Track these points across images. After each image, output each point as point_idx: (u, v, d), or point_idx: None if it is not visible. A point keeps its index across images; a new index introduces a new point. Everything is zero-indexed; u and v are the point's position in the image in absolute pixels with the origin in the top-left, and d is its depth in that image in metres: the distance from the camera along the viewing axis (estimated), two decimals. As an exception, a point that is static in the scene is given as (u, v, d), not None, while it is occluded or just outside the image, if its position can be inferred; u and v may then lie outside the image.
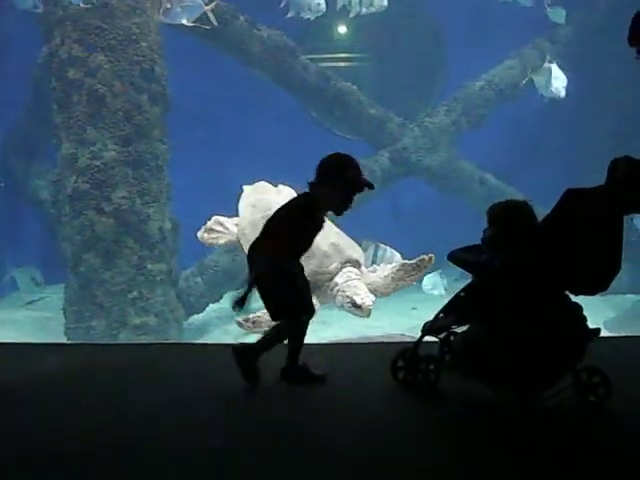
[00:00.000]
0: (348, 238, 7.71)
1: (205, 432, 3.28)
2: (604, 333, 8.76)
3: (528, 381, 3.36)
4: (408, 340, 4.13)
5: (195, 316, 10.40)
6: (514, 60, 12.72)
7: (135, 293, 9.18)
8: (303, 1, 10.24)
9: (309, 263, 7.24)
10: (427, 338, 3.81)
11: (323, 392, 3.83)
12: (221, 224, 8.22)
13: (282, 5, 10.16)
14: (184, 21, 9.42)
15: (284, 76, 11.65)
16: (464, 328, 3.75)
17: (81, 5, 9.02)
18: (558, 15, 11.91)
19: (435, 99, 13.66)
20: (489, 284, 3.54)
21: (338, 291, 7.18)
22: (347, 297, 7.04)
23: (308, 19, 10.52)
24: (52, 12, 9.44)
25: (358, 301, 6.93)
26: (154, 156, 9.41)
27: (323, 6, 10.46)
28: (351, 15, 10.84)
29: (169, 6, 9.32)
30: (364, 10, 10.61)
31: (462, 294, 3.64)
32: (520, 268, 3.42)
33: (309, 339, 3.97)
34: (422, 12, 11.80)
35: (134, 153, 9.25)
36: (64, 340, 9.04)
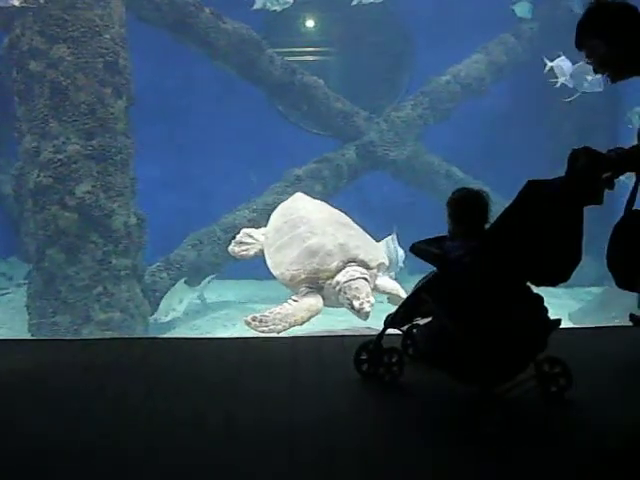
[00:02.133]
0: (368, 240, 7.94)
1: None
2: (568, 324, 8.88)
3: (490, 372, 3.35)
4: (373, 333, 4.11)
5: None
6: (480, 55, 12.79)
7: (100, 288, 9.07)
8: None
9: (311, 261, 7.39)
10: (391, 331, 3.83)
11: (285, 386, 3.82)
12: (250, 236, 8.57)
13: None
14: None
15: (250, 70, 11.56)
16: (426, 320, 3.75)
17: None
18: (524, 9, 11.97)
19: (402, 93, 13.67)
20: (451, 276, 3.52)
21: (340, 290, 7.29)
22: (347, 299, 7.16)
23: (274, 11, 10.31)
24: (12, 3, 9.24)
25: (356, 305, 7.04)
26: (118, 150, 9.29)
27: None
28: (353, 3, 10.55)
29: None
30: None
31: (424, 286, 3.62)
32: (483, 261, 3.41)
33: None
34: (389, 6, 11.76)
35: (98, 147, 9.11)
36: (28, 336, 8.93)
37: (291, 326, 7.21)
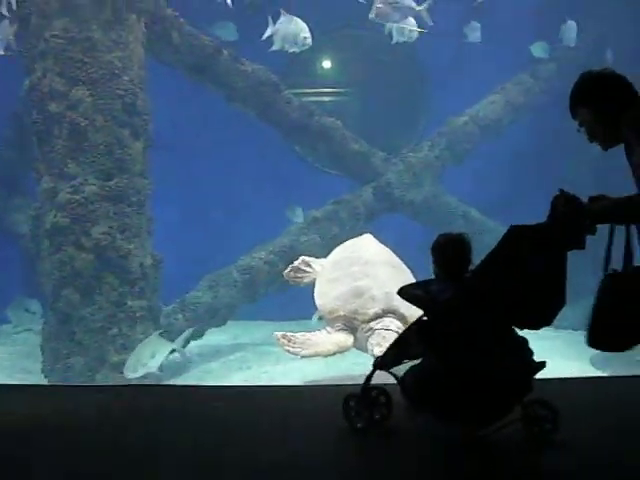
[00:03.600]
0: None
1: None
2: (590, 369, 8.70)
3: (475, 415, 3.44)
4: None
5: (175, 354, 10.17)
6: (497, 95, 12.78)
7: (115, 330, 8.99)
8: (288, 34, 9.83)
9: (354, 301, 7.39)
10: None
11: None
12: (308, 264, 8.64)
13: (264, 37, 9.85)
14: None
15: (267, 111, 11.59)
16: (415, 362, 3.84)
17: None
18: (541, 50, 11.98)
19: (419, 134, 13.67)
20: (437, 319, 3.64)
21: (369, 335, 7.30)
22: (371, 343, 7.18)
23: (293, 53, 10.26)
24: (34, 45, 9.34)
25: (375, 352, 6.94)
26: (135, 191, 9.28)
27: (309, 40, 10.05)
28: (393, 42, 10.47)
29: None
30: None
31: (412, 328, 3.77)
32: (466, 303, 3.52)
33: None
34: (406, 47, 11.80)
35: (115, 188, 9.10)
36: (41, 377, 8.86)
37: (317, 355, 7.29)
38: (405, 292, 3.80)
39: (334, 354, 7.41)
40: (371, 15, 8.94)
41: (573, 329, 10.07)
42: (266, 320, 11.53)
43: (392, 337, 7.02)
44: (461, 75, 12.74)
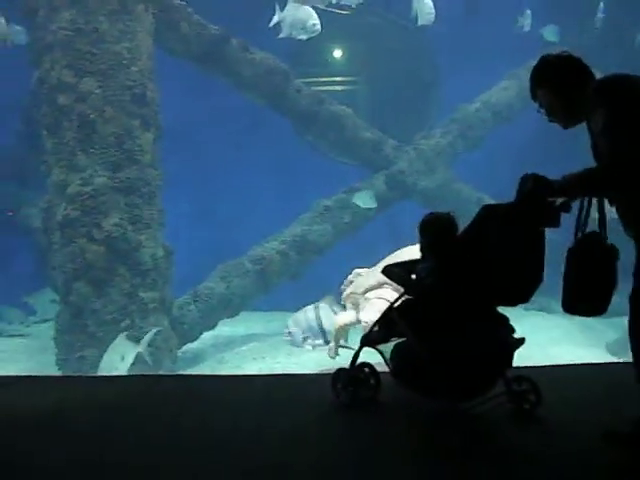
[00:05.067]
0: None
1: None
2: (606, 355, 8.63)
3: (454, 389, 3.49)
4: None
5: (189, 345, 10.17)
6: (510, 81, 12.65)
7: (127, 322, 8.95)
8: (296, 21, 9.61)
9: (357, 281, 7.91)
10: None
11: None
12: (359, 274, 8.50)
13: (271, 25, 9.63)
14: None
15: (277, 99, 11.53)
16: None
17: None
18: (552, 33, 11.85)
19: (431, 121, 13.57)
20: (418, 298, 3.74)
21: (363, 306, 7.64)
22: (359, 311, 7.62)
23: (301, 40, 10.03)
24: (41, 38, 9.31)
25: (361, 317, 7.43)
26: (146, 182, 9.24)
27: (318, 26, 9.77)
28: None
29: None
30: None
31: (394, 307, 3.84)
32: (444, 282, 3.60)
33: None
34: (416, 34, 11.70)
35: (125, 179, 9.07)
36: (56, 370, 8.86)
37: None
38: (388, 270, 3.91)
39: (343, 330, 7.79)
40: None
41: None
42: (280, 310, 11.48)
43: (384, 305, 7.18)
44: (471, 61, 12.62)
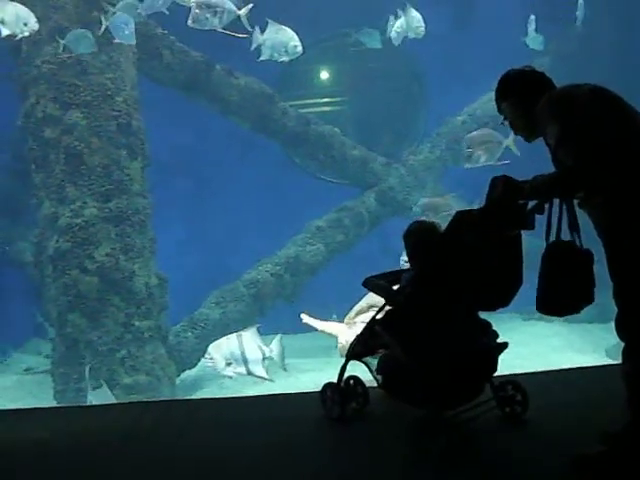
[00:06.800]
0: None
1: None
2: (606, 360, 8.60)
3: (436, 396, 3.48)
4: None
5: (187, 372, 10.11)
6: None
7: (124, 352, 8.91)
8: (277, 43, 9.25)
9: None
10: None
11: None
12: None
13: (252, 48, 9.56)
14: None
15: (264, 123, 11.56)
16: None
17: None
18: (536, 42, 11.88)
19: (419, 136, 13.61)
20: (399, 307, 3.71)
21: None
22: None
23: (285, 62, 9.85)
24: (26, 72, 9.34)
25: (340, 340, 7.21)
26: (136, 211, 9.24)
27: (300, 48, 9.34)
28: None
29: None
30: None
31: (377, 319, 3.83)
32: (423, 289, 3.58)
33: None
34: (399, 50, 11.73)
35: (115, 209, 9.07)
36: (53, 403, 8.79)
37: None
38: (369, 282, 3.89)
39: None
40: (189, 22, 8.58)
41: (588, 322, 10.05)
42: (278, 334, 11.40)
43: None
44: (456, 74, 12.67)
